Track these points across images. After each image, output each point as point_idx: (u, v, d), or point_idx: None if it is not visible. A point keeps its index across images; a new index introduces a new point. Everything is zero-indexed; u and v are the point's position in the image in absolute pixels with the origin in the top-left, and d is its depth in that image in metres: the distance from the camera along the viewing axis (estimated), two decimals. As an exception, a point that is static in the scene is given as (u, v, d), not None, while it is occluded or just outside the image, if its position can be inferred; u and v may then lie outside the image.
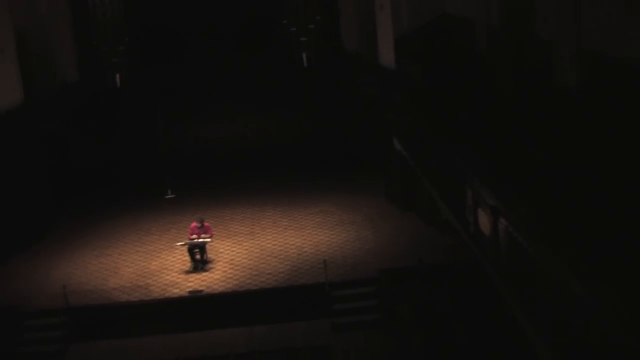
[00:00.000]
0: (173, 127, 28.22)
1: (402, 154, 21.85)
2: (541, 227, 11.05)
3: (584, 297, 8.96)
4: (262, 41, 32.37)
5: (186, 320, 18.27)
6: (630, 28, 12.54)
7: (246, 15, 32.55)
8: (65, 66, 28.77)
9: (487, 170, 13.79)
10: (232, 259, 20.38)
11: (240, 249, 20.99)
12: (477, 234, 13.71)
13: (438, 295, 17.71)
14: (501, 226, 12.21)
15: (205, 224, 20.05)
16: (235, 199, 24.84)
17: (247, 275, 19.32)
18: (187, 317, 18.33)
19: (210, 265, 20.01)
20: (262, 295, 18.54)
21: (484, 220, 13.18)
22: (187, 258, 19.99)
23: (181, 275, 19.62)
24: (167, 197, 25.20)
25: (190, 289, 18.81)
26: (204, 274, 19.55)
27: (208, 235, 19.94)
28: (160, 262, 20.56)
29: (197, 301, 18.51)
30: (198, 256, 19.90)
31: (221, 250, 20.91)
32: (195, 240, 19.80)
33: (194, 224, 20.06)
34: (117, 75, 29.61)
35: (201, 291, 18.71)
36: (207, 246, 20.01)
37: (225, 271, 19.69)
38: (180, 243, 20.29)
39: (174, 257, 20.69)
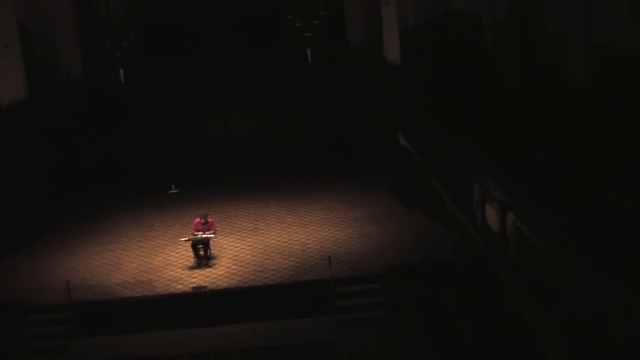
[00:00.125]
0: (177, 122, 28.10)
1: (407, 149, 21.72)
2: (551, 222, 10.92)
3: (595, 293, 8.81)
4: (266, 36, 32.25)
5: (189, 316, 18.19)
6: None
7: (251, 10, 32.39)
8: (69, 61, 28.73)
9: (494, 165, 13.66)
10: (235, 255, 20.28)
11: (244, 245, 20.88)
12: (485, 229, 13.57)
13: (443, 292, 17.58)
14: (509, 221, 12.08)
15: (209, 219, 19.95)
16: (239, 195, 24.75)
17: (251, 272, 19.23)
18: (190, 313, 18.25)
19: (214, 261, 19.90)
20: (265, 292, 18.42)
21: (491, 216, 13.05)
22: (191, 254, 19.90)
23: (185, 271, 19.53)
24: (171, 192, 25.21)
25: (194, 285, 18.72)
26: (208, 270, 19.46)
27: (212, 231, 19.84)
28: (163, 258, 20.47)
29: (200, 297, 18.41)
30: (202, 252, 19.82)
31: (225, 246, 20.80)
32: (199, 236, 19.71)
33: (197, 220, 19.96)
34: (121, 71, 29.60)
35: (205, 287, 18.61)
36: (210, 242, 19.92)
37: (228, 267, 19.59)
38: (183, 239, 20.18)
39: (178, 252, 20.60)
